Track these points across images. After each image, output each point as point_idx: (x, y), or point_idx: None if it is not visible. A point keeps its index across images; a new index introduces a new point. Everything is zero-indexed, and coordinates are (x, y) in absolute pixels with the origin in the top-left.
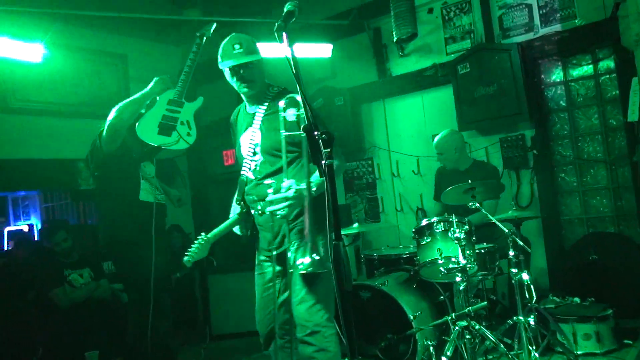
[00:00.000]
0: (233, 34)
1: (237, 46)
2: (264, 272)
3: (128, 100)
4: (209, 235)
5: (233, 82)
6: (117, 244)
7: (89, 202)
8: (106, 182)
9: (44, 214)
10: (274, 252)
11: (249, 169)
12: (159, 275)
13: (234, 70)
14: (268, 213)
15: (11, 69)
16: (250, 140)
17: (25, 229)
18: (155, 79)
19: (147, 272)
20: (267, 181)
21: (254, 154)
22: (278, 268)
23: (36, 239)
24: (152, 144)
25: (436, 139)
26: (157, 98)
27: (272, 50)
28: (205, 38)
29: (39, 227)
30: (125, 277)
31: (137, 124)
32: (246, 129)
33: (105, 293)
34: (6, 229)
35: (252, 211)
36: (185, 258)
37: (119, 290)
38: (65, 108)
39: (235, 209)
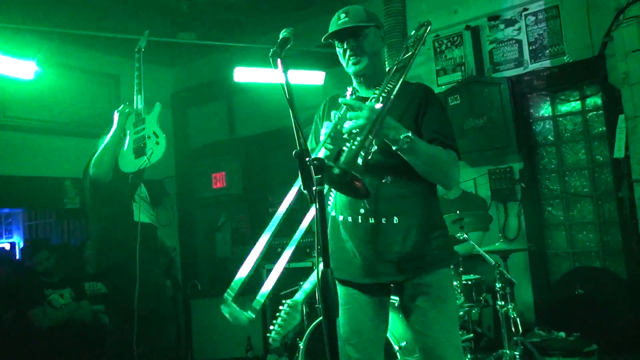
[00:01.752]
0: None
1: (342, 15)
2: None
3: (102, 148)
4: (297, 299)
5: (343, 62)
6: (112, 267)
7: (74, 222)
8: (99, 201)
9: (27, 232)
10: None
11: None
12: (162, 298)
13: (341, 43)
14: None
15: (2, 85)
16: None
17: (7, 247)
18: (115, 112)
19: (142, 295)
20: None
21: None
22: None
23: (18, 257)
24: (134, 170)
25: None
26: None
27: (266, 75)
28: (142, 50)
29: (21, 245)
30: (116, 300)
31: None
32: None
33: (87, 314)
34: None
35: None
36: (272, 334)
37: (100, 312)
38: (55, 126)
39: None
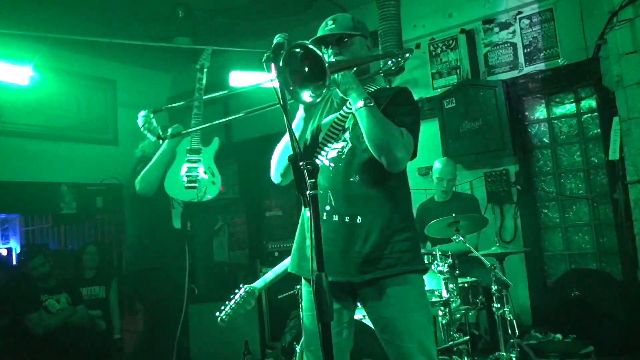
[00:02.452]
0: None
1: (330, 22)
2: None
3: (150, 165)
4: (255, 286)
5: None
6: (145, 270)
7: (71, 227)
8: (139, 209)
9: (24, 237)
10: None
11: (326, 156)
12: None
13: (325, 48)
14: None
15: None
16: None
17: (4, 252)
18: (168, 133)
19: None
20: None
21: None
22: None
23: (14, 263)
24: (180, 199)
25: (438, 165)
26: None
27: (260, 79)
28: (206, 68)
29: (18, 251)
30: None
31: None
32: (330, 112)
33: (83, 319)
34: None
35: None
36: (222, 316)
37: (97, 317)
38: (52, 131)
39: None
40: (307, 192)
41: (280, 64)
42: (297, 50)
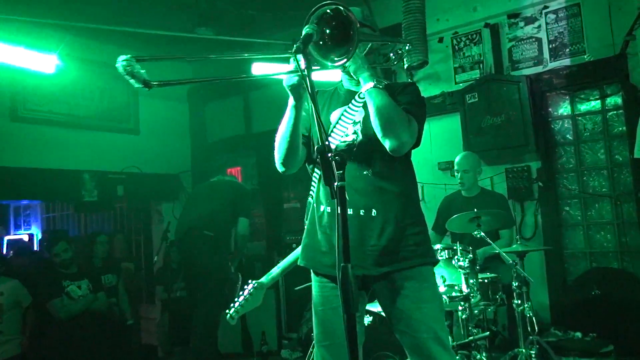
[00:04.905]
0: None
1: None
2: None
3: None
4: (263, 281)
5: None
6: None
7: (91, 214)
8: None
9: (45, 224)
10: None
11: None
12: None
13: None
14: None
15: (23, 78)
16: (345, 119)
17: (25, 238)
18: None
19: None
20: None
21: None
22: None
23: (35, 249)
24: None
25: (459, 157)
26: None
27: (282, 69)
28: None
29: (39, 237)
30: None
31: None
32: (337, 106)
33: (103, 306)
34: (6, 238)
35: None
36: (232, 313)
37: (114, 305)
38: (74, 120)
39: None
40: (335, 184)
41: (314, 25)
42: (329, 11)
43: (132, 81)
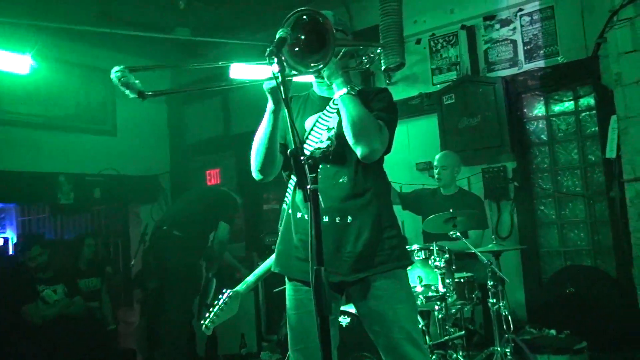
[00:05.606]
0: None
1: None
2: None
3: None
4: (238, 289)
5: None
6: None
7: (68, 217)
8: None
9: (20, 227)
10: None
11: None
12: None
13: None
14: None
15: None
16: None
17: (0, 242)
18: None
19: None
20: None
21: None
22: None
23: (11, 253)
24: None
25: (439, 154)
26: None
27: (261, 72)
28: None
29: (14, 241)
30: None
31: None
32: (311, 113)
33: (79, 310)
34: None
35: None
36: (207, 323)
37: (95, 309)
38: (50, 121)
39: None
40: (308, 187)
41: (289, 29)
42: (305, 17)
43: (127, 92)
